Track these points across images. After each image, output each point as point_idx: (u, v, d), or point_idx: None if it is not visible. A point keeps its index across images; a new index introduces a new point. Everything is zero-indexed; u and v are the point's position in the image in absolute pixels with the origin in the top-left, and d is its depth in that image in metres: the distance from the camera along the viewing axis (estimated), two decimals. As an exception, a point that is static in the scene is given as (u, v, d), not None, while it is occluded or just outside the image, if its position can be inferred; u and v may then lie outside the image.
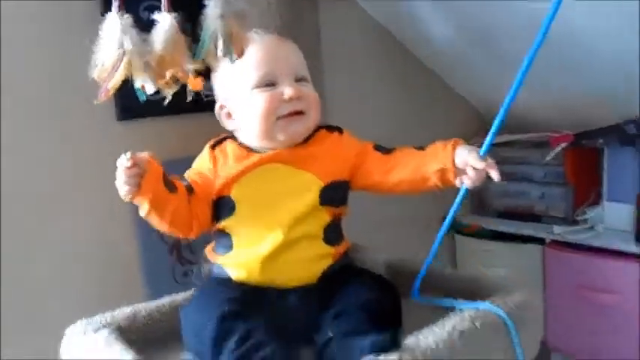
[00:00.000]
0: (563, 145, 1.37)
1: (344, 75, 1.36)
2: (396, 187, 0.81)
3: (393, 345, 0.62)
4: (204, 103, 1.05)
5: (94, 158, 1.08)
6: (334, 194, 0.80)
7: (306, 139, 0.82)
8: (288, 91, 0.76)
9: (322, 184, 0.78)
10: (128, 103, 1.06)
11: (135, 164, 0.68)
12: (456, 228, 1.61)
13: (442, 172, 0.75)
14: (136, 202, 0.72)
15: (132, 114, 1.08)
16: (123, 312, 0.80)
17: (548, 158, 1.40)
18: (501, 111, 0.73)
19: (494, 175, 0.72)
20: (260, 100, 0.77)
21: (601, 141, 1.33)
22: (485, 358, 0.68)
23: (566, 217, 1.45)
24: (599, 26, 1.10)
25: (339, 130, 0.85)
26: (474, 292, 0.81)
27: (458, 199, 0.80)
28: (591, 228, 1.38)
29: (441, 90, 1.61)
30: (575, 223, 1.43)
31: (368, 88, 1.46)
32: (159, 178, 0.71)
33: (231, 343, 0.63)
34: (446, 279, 0.89)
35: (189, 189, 0.77)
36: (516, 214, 1.56)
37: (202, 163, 0.81)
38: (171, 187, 0.73)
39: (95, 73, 0.68)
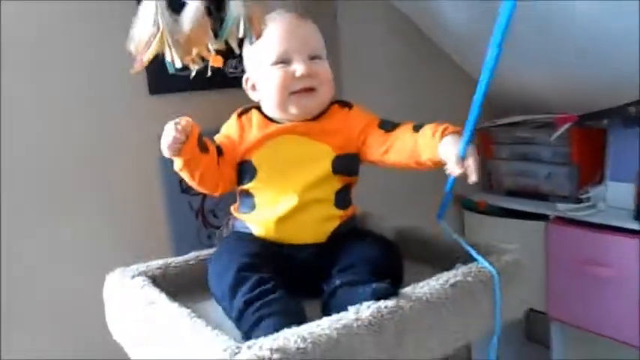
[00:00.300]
0: (568, 125, 1.42)
1: (360, 61, 1.42)
2: (394, 166, 0.87)
3: (393, 293, 0.71)
4: (229, 79, 1.15)
5: (128, 128, 1.19)
6: (345, 164, 0.88)
7: (321, 113, 0.89)
8: (299, 69, 0.84)
9: (334, 155, 0.86)
10: (159, 78, 1.16)
11: (181, 133, 0.76)
12: (466, 205, 1.68)
13: (431, 160, 0.80)
14: (173, 158, 0.81)
15: (163, 88, 1.18)
16: (156, 263, 0.90)
17: (552, 138, 1.46)
18: (474, 108, 0.76)
19: (471, 178, 0.73)
20: (275, 76, 0.85)
21: (605, 122, 1.38)
22: (471, 309, 0.76)
23: (570, 196, 1.52)
24: (599, 9, 1.15)
25: (349, 105, 0.92)
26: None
27: (447, 187, 0.85)
28: (593, 206, 1.44)
29: (453, 72, 1.67)
30: (579, 201, 1.49)
31: (382, 74, 1.52)
32: (195, 142, 0.80)
33: (244, 289, 0.72)
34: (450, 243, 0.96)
35: (219, 151, 0.85)
36: (524, 192, 1.63)
37: (229, 128, 0.90)
38: (204, 148, 0.82)
39: (131, 47, 0.78)
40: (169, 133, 0.77)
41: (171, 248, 1.22)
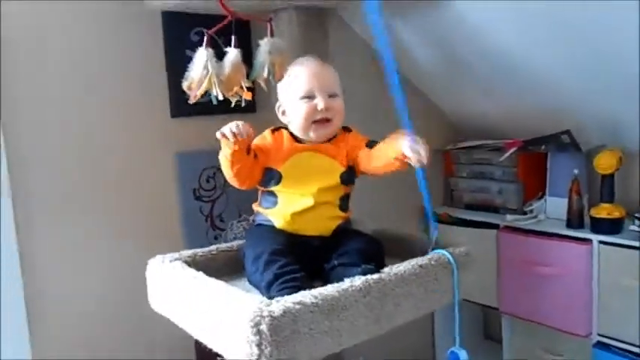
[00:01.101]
0: (514, 149, 1.71)
1: (347, 90, 1.68)
2: (377, 172, 1.11)
3: (376, 272, 0.96)
4: (236, 107, 1.40)
5: (151, 145, 1.41)
6: (349, 176, 1.12)
7: (334, 137, 1.14)
8: (321, 104, 1.08)
9: (343, 169, 1.11)
10: (179, 103, 1.40)
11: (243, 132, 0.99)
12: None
13: (397, 158, 1.01)
14: (223, 145, 1.02)
15: (183, 112, 1.42)
16: (186, 252, 1.12)
17: (501, 159, 1.75)
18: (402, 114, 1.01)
19: (413, 162, 0.98)
20: (302, 108, 1.09)
21: (543, 147, 1.68)
22: (433, 285, 1.02)
23: (517, 209, 1.80)
24: (532, 52, 1.44)
25: (349, 130, 1.16)
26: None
27: (419, 178, 1.07)
28: (535, 217, 1.73)
29: (424, 105, 1.95)
30: (524, 213, 1.78)
31: (356, 101, 1.73)
32: (247, 143, 1.03)
33: (275, 267, 0.95)
34: (417, 241, 1.22)
35: (255, 155, 1.08)
36: (480, 205, 1.91)
37: (264, 140, 1.12)
38: (249, 150, 1.05)
39: (185, 85, 1.02)
40: (238, 125, 0.99)
41: (184, 247, 1.44)
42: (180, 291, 1.00)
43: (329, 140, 1.13)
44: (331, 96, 1.10)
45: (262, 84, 1.11)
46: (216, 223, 1.49)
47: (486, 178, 1.89)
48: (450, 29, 1.49)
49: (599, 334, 1.56)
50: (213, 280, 0.95)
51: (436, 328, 2.07)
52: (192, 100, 1.07)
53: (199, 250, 1.15)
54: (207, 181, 1.46)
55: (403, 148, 0.98)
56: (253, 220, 1.14)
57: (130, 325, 1.41)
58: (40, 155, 1.28)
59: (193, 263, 1.10)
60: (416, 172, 1.03)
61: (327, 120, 1.10)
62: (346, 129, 1.16)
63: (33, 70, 1.25)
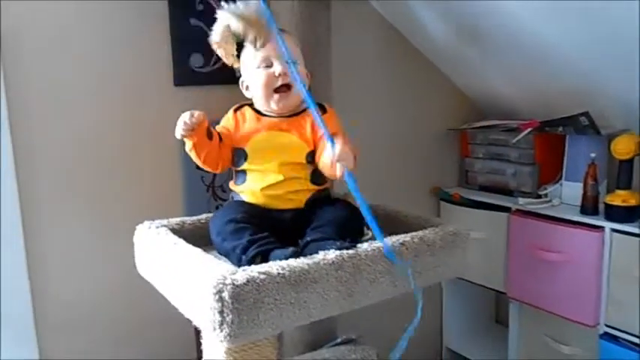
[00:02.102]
0: (529, 130, 1.65)
1: (352, 67, 1.63)
2: (324, 173, 1.08)
3: (351, 248, 0.94)
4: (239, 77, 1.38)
5: (155, 114, 1.42)
6: (314, 157, 1.09)
7: (302, 111, 1.10)
8: (277, 69, 1.07)
9: (308, 150, 1.09)
10: (183, 72, 1.40)
11: (194, 122, 1.01)
12: (442, 196, 1.91)
13: (329, 164, 1.01)
14: (185, 140, 1.05)
15: (185, 81, 1.42)
16: (175, 220, 1.14)
17: (514, 140, 1.68)
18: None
19: (338, 172, 0.98)
20: (260, 76, 1.08)
21: (560, 129, 1.60)
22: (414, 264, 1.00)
23: (532, 192, 1.74)
24: (553, 29, 1.37)
25: (324, 109, 1.12)
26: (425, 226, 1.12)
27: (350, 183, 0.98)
28: (549, 201, 1.67)
29: (438, 81, 1.89)
30: (539, 196, 1.72)
31: (372, 78, 1.74)
32: (204, 130, 1.04)
33: (247, 235, 0.96)
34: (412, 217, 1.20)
35: (220, 138, 1.09)
36: (494, 187, 1.86)
37: (227, 121, 1.13)
38: (210, 135, 1.06)
39: (214, 45, 1.07)
40: (183, 120, 1.02)
41: (184, 215, 1.45)
42: (161, 257, 1.01)
43: (297, 114, 1.11)
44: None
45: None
46: (217, 193, 1.50)
47: (502, 159, 1.83)
48: (471, 7, 1.43)
49: (607, 325, 1.50)
50: (190, 247, 0.96)
51: (444, 312, 2.05)
52: (229, 61, 1.09)
53: (188, 219, 1.16)
54: (210, 151, 1.47)
55: (331, 159, 0.98)
56: (231, 197, 1.14)
57: (140, 322, 1.43)
58: (43, 139, 1.29)
59: (181, 231, 1.11)
60: (345, 177, 0.98)
61: (288, 87, 1.08)
62: (321, 106, 1.11)
63: (34, 48, 1.26)
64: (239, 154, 1.10)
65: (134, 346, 1.44)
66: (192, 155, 1.08)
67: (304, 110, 1.10)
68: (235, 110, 1.14)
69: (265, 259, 0.90)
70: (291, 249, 0.90)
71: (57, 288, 1.33)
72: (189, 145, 1.06)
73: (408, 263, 0.97)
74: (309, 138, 1.09)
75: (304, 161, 1.09)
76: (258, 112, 1.12)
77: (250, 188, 1.09)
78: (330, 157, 0.98)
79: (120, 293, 1.40)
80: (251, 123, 1.11)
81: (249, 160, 1.09)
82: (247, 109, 1.13)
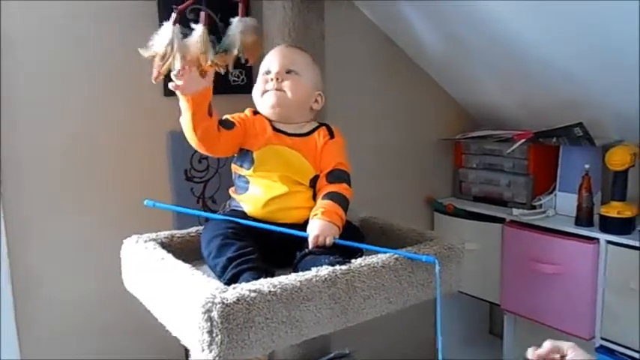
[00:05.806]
0: (523, 140, 1.63)
1: (345, 76, 1.61)
2: None
3: (345, 263, 0.92)
4: (232, 86, 1.37)
5: (144, 124, 1.40)
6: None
7: (310, 132, 1.11)
8: (272, 72, 1.08)
9: (313, 174, 1.08)
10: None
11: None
12: (436, 207, 1.89)
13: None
14: (182, 101, 0.99)
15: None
16: (164, 233, 1.11)
17: (509, 151, 1.67)
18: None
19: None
20: (259, 82, 1.11)
21: (554, 140, 1.59)
22: (408, 278, 0.97)
23: (526, 203, 1.73)
24: (547, 40, 1.36)
25: (332, 135, 1.12)
26: (419, 240, 1.10)
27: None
28: (543, 212, 1.65)
29: (432, 91, 1.88)
30: (533, 207, 1.70)
31: (366, 88, 1.72)
32: (206, 98, 1.00)
33: (229, 251, 0.93)
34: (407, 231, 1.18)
35: (229, 124, 1.06)
36: (488, 198, 1.84)
37: (245, 117, 1.11)
38: (210, 112, 1.02)
39: (146, 54, 1.00)
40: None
41: (174, 228, 1.42)
42: (148, 272, 0.98)
43: (307, 134, 1.10)
44: (289, 72, 1.09)
45: (230, 64, 1.09)
46: (207, 203, 1.47)
47: (496, 169, 1.82)
48: (464, 17, 1.41)
49: (602, 338, 1.48)
50: (178, 263, 0.93)
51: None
52: (155, 79, 1.05)
53: (177, 232, 1.13)
54: (200, 162, 1.43)
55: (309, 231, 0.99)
56: (228, 205, 1.12)
57: (123, 324, 1.39)
58: (29, 144, 1.26)
59: (170, 245, 1.08)
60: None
61: (278, 90, 1.08)
62: (329, 130, 1.13)
63: (29, 47, 1.24)
64: (246, 156, 1.08)
65: (120, 347, 1.40)
66: (188, 129, 1.01)
67: (314, 130, 1.12)
68: (254, 112, 1.13)
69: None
70: (263, 276, 0.87)
71: (42, 296, 1.30)
72: (187, 115, 0.99)
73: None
74: (315, 161, 1.09)
75: (307, 184, 1.08)
76: (272, 125, 1.11)
77: (253, 198, 1.06)
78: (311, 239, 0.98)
79: (108, 304, 1.36)
80: (264, 131, 1.09)
81: (255, 167, 1.07)
82: (264, 118, 1.12)
